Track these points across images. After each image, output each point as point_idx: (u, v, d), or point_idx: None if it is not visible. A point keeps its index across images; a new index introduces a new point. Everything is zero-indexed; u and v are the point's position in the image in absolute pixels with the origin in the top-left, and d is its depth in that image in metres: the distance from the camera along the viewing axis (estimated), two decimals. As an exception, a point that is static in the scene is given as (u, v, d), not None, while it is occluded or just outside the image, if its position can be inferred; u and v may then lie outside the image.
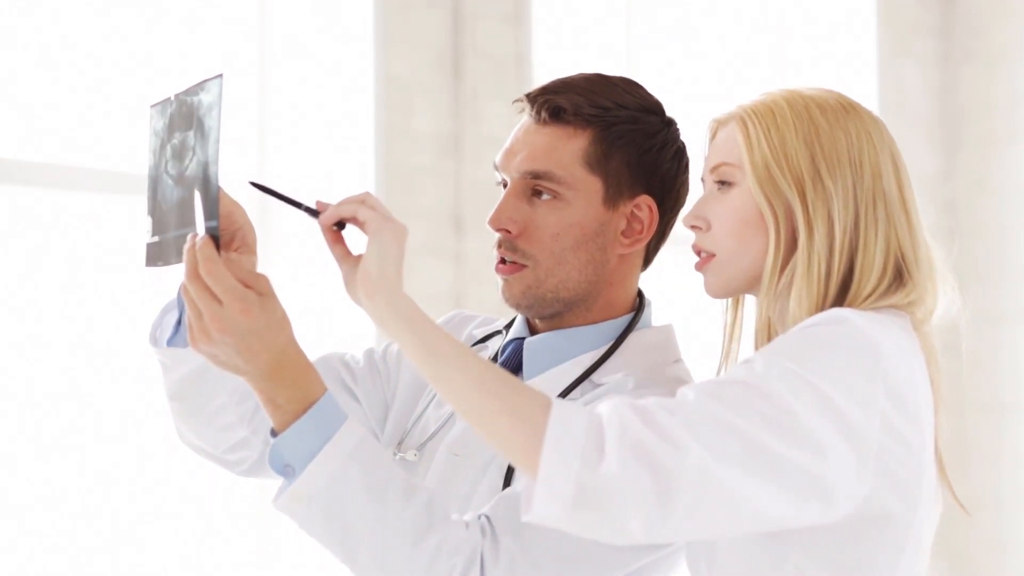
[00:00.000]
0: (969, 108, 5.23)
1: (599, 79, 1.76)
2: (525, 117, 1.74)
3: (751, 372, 1.39)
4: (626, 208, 1.73)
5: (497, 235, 1.72)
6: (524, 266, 1.70)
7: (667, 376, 1.72)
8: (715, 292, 1.59)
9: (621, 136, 1.72)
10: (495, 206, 1.71)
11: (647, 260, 1.79)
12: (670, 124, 1.77)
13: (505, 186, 1.73)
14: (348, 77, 3.73)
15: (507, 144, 1.73)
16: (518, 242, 1.70)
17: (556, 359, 1.73)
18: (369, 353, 1.87)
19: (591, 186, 1.71)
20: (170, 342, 1.69)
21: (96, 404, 3.41)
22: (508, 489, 1.60)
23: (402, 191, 3.73)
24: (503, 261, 1.71)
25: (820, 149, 1.52)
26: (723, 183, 1.57)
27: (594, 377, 1.71)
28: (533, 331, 1.77)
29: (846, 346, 1.41)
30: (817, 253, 1.50)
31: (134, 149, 3.47)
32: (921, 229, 1.56)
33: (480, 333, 1.85)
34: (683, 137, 1.80)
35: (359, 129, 3.72)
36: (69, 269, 3.35)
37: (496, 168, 1.74)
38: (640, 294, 1.79)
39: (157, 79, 3.50)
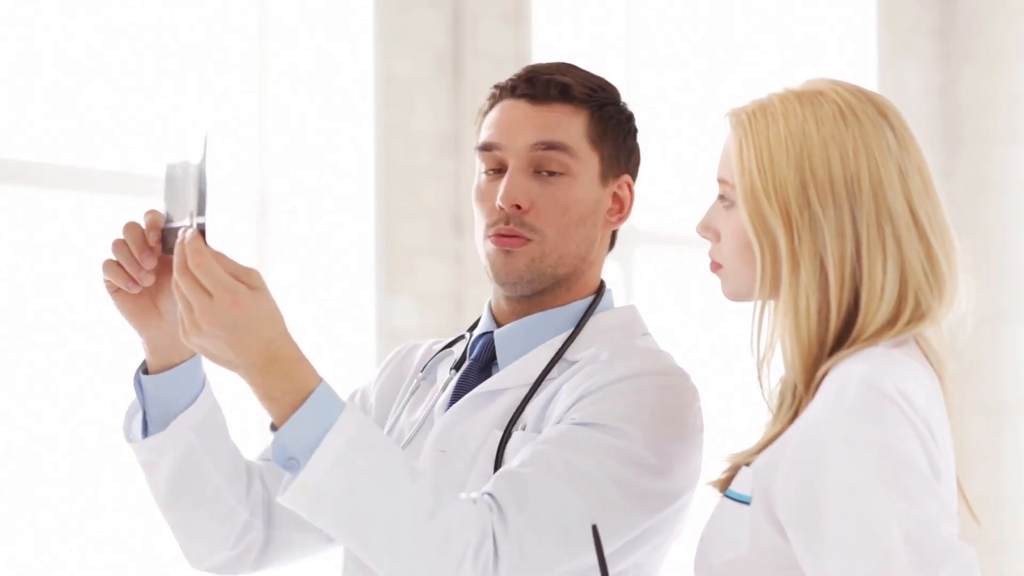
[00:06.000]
0: (969, 108, 5.23)
1: (573, 65, 1.81)
2: (507, 101, 1.76)
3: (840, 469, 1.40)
4: (612, 186, 1.79)
5: (500, 214, 1.73)
6: (530, 240, 1.73)
7: (638, 346, 1.75)
8: (727, 297, 1.58)
9: (611, 117, 1.78)
10: (502, 186, 1.72)
11: (612, 243, 1.85)
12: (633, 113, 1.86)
13: (496, 171, 1.75)
14: (348, 77, 3.73)
15: (501, 124, 1.75)
16: (527, 217, 1.73)
17: (528, 345, 1.76)
18: (350, 396, 1.89)
19: (592, 161, 1.76)
20: (145, 435, 1.68)
21: (95, 404, 3.41)
22: (504, 467, 1.62)
23: (402, 191, 3.73)
24: (506, 235, 1.73)
25: (811, 175, 1.46)
26: (724, 198, 1.56)
27: (567, 355, 1.73)
28: (498, 324, 1.79)
29: (900, 428, 1.40)
30: (805, 289, 1.46)
31: (135, 149, 3.47)
32: (937, 245, 1.48)
33: (439, 346, 1.87)
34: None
35: (359, 129, 3.72)
36: (69, 269, 3.35)
37: (491, 149, 1.75)
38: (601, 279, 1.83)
39: (157, 79, 3.50)
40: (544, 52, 4.14)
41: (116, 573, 3.43)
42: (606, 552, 1.62)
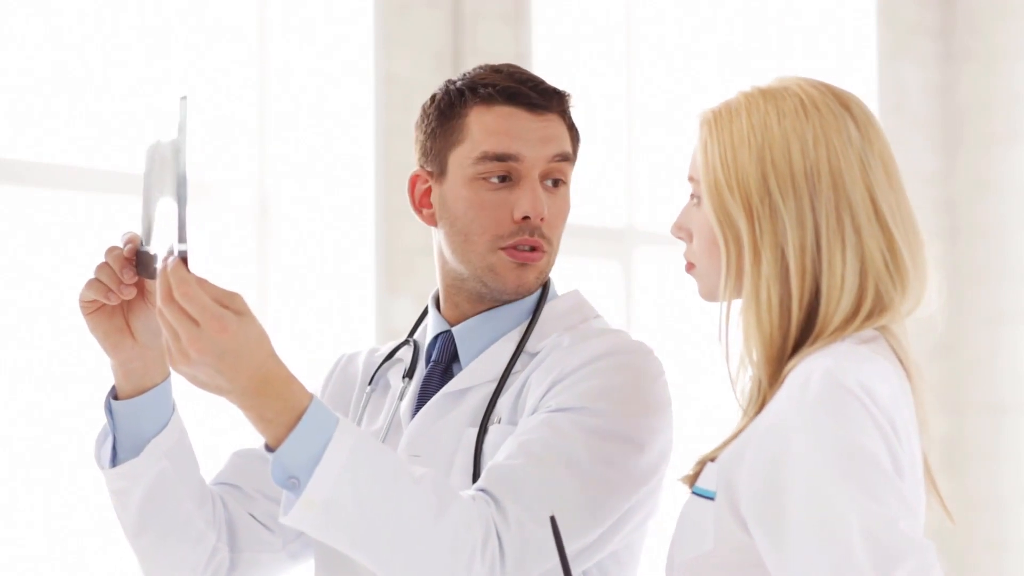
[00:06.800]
0: (969, 108, 5.23)
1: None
2: (506, 107, 1.75)
3: (793, 457, 1.40)
4: None
5: (524, 224, 1.74)
6: (545, 251, 1.76)
7: (596, 328, 1.77)
8: (703, 297, 1.59)
9: (573, 124, 1.80)
10: (527, 198, 1.73)
11: None
12: None
13: (502, 178, 1.75)
14: (348, 77, 3.73)
15: (515, 134, 1.75)
16: (544, 228, 1.76)
17: (488, 339, 1.78)
18: None
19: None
20: (115, 463, 1.68)
21: (94, 404, 3.41)
22: (493, 461, 1.63)
23: (402, 191, 3.72)
24: (519, 248, 1.75)
25: (772, 166, 1.47)
26: (694, 196, 1.57)
27: (527, 347, 1.76)
28: (451, 323, 1.81)
29: (862, 423, 1.41)
30: (766, 280, 1.47)
31: (134, 149, 3.47)
32: (899, 235, 1.48)
33: (380, 354, 1.88)
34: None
35: (359, 129, 3.72)
36: (68, 269, 3.35)
37: (508, 158, 1.74)
38: None
39: (157, 79, 3.50)
40: (544, 52, 4.14)
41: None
42: (601, 531, 1.65)
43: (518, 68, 1.79)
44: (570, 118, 1.78)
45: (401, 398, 1.79)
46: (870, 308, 1.47)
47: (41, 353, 3.35)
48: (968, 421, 5.11)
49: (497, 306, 1.78)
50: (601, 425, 1.65)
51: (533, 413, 1.68)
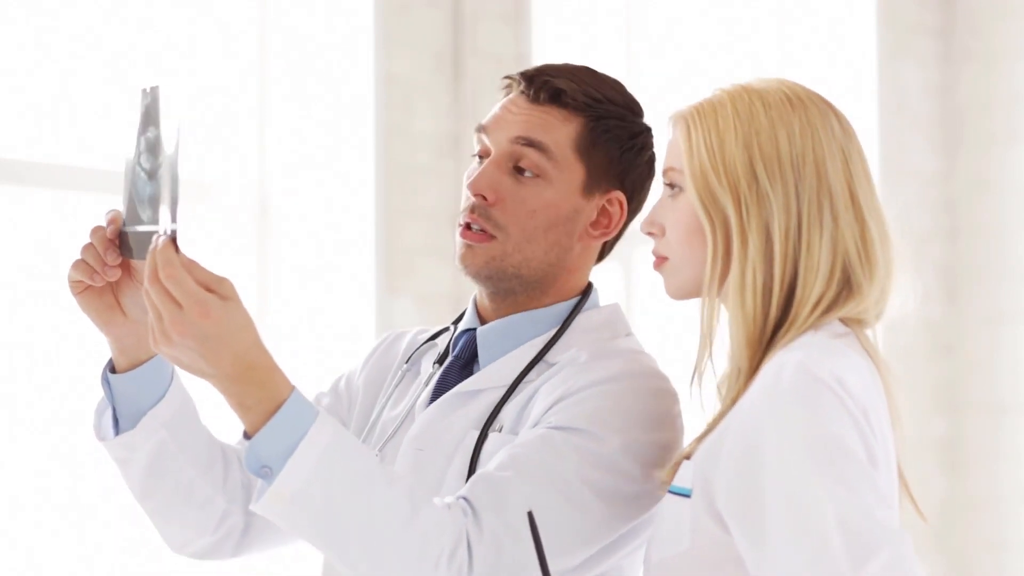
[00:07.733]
0: (969, 108, 5.23)
1: (590, 71, 1.78)
2: (513, 94, 1.75)
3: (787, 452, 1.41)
4: (600, 200, 1.76)
5: (470, 201, 1.72)
6: (493, 237, 1.71)
7: (619, 347, 1.74)
8: (672, 294, 1.61)
9: (609, 130, 1.74)
10: (476, 172, 1.72)
11: (603, 254, 1.83)
12: (649, 129, 1.80)
13: (482, 156, 1.74)
14: (348, 77, 3.73)
15: (495, 113, 1.75)
16: (492, 211, 1.71)
17: (510, 344, 1.75)
18: (335, 383, 1.88)
19: (575, 170, 1.73)
20: (116, 432, 1.68)
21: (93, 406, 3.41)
22: (482, 470, 1.61)
23: (402, 191, 3.73)
24: (469, 227, 1.72)
25: (759, 152, 1.50)
26: (672, 187, 1.57)
27: (548, 357, 1.73)
28: (483, 321, 1.78)
29: (835, 414, 1.42)
30: (752, 263, 1.49)
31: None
32: (873, 226, 1.52)
33: (424, 336, 1.87)
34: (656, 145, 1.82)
35: (359, 129, 3.72)
36: (66, 269, 3.35)
37: (480, 131, 1.74)
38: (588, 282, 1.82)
39: (157, 78, 3.50)
40: (544, 52, 4.14)
41: (107, 558, 3.43)
42: (583, 556, 1.62)
43: (554, 65, 1.76)
44: (582, 118, 1.73)
45: (427, 385, 1.78)
46: (837, 291, 1.50)
47: (41, 354, 3.35)
48: (968, 421, 5.11)
49: (521, 310, 1.75)
50: (597, 450, 1.62)
51: (534, 426, 1.65)
